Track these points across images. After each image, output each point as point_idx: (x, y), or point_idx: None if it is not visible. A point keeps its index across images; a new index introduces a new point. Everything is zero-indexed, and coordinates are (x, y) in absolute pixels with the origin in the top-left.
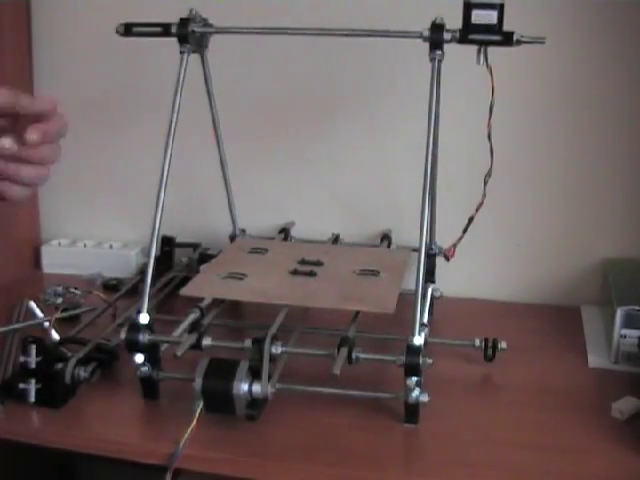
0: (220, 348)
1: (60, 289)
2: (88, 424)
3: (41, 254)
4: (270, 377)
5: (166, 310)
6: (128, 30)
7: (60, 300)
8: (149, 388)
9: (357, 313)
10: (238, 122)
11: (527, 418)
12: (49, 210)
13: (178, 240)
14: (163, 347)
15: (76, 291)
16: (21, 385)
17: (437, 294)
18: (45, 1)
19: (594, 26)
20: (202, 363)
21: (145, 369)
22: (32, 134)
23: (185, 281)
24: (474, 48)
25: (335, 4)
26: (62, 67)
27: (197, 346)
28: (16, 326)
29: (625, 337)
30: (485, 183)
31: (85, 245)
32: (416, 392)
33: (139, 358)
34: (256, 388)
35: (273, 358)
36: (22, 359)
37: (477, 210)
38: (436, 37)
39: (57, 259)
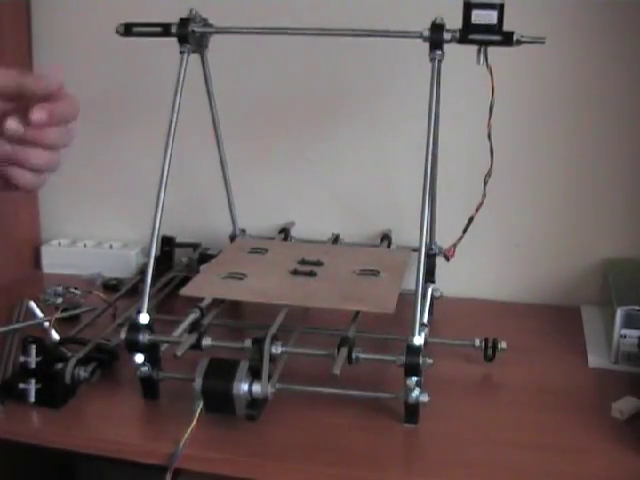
0: (220, 348)
1: (60, 289)
2: (88, 424)
3: (41, 254)
4: (270, 377)
5: (166, 310)
6: (128, 30)
7: (60, 300)
8: (149, 388)
9: (357, 313)
10: (238, 122)
11: (527, 418)
12: (49, 210)
13: (178, 240)
14: (163, 347)
15: (76, 291)
16: (21, 385)
17: (437, 294)
18: (45, 1)
19: (594, 26)
20: (202, 363)
21: (145, 369)
22: (37, 113)
23: (185, 281)
24: (474, 48)
25: (335, 4)
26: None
27: (197, 346)
28: (16, 326)
29: (625, 337)
30: (485, 183)
31: (85, 245)
32: (416, 392)
33: (139, 358)
34: (256, 388)
35: (273, 358)
36: (22, 359)
37: (477, 210)
38: (436, 37)
39: (57, 259)
